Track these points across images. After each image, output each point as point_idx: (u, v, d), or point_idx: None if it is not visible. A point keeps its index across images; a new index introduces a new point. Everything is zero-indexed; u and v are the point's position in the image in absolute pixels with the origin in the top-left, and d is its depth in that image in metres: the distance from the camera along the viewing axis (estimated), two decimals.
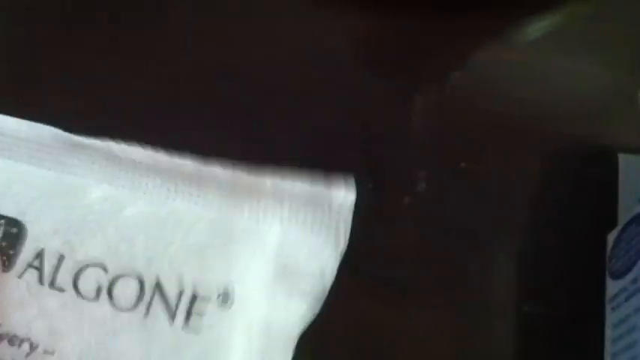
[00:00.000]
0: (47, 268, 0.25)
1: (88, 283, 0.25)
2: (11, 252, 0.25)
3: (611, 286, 0.31)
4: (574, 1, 0.40)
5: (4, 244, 0.25)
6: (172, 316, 0.23)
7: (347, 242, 0.24)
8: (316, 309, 0.24)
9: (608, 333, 0.31)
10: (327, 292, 0.24)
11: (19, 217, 0.26)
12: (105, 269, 0.25)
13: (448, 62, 0.40)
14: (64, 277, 0.25)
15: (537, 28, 0.40)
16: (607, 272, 0.32)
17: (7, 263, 0.25)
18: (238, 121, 0.38)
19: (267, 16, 0.41)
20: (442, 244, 0.35)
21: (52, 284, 0.25)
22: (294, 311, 0.24)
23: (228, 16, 0.41)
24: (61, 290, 0.25)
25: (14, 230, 0.25)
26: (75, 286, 0.25)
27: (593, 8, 0.40)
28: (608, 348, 0.30)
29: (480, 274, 0.34)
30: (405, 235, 0.35)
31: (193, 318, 0.23)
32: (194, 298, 0.23)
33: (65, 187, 0.26)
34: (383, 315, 0.33)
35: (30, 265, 0.25)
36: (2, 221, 0.26)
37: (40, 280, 0.25)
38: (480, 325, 0.33)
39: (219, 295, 0.24)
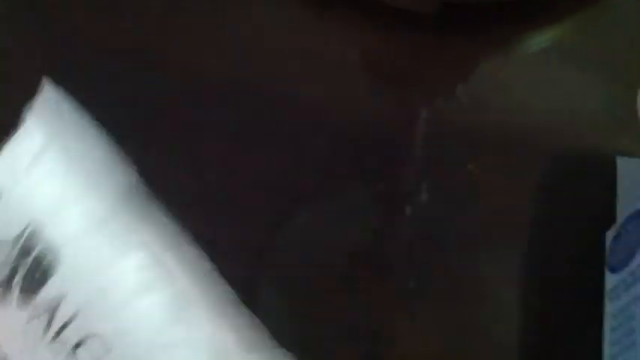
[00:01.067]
0: (57, 321, 0.23)
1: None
2: (34, 284, 0.23)
3: (611, 280, 0.33)
4: (575, 15, 0.42)
5: (30, 273, 0.23)
6: None
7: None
8: None
9: (608, 323, 0.32)
10: None
11: (57, 250, 0.24)
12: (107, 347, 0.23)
13: (453, 74, 0.41)
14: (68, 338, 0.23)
15: (540, 40, 0.42)
16: (606, 267, 0.33)
17: (23, 298, 0.23)
18: (245, 128, 0.39)
19: (276, 28, 0.42)
20: (445, 246, 0.36)
21: (53, 341, 0.23)
22: None
23: (235, 30, 0.42)
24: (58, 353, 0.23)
25: (46, 262, 0.24)
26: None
27: (594, 21, 0.42)
28: (608, 335, 0.32)
29: (484, 271, 0.35)
30: (407, 237, 0.37)
31: None
32: None
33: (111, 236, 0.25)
34: (387, 311, 0.35)
35: (45, 310, 0.23)
36: (39, 247, 0.24)
37: (45, 330, 0.23)
38: (485, 317, 0.34)
39: None
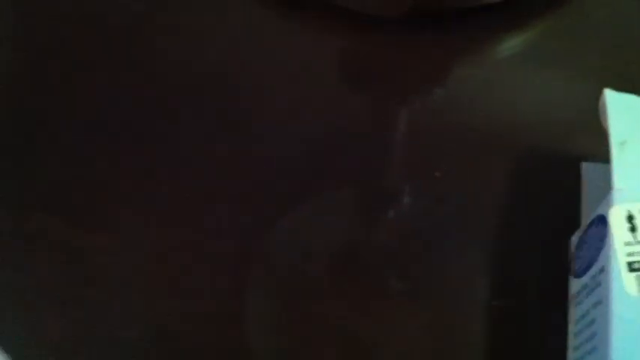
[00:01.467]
0: None
1: None
2: None
3: (574, 285, 0.33)
4: (545, 20, 0.43)
5: None
6: None
7: None
8: None
9: (571, 328, 0.33)
10: None
11: None
12: None
13: (429, 79, 0.42)
14: None
15: (510, 45, 0.42)
16: (570, 272, 0.34)
17: None
18: (228, 132, 0.40)
19: (251, 32, 0.43)
20: (419, 247, 0.37)
21: None
22: None
23: (221, 35, 0.43)
24: None
25: None
26: None
27: (563, 26, 0.42)
28: (571, 341, 0.32)
29: (454, 273, 0.36)
30: (386, 239, 0.37)
31: None
32: None
33: None
34: (373, 312, 0.35)
35: None
36: None
37: None
38: (454, 317, 0.35)
39: None
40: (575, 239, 0.34)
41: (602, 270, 0.31)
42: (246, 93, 0.41)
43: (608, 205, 0.31)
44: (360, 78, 0.42)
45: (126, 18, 0.44)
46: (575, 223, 0.35)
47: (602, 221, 0.32)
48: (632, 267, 0.30)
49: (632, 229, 0.31)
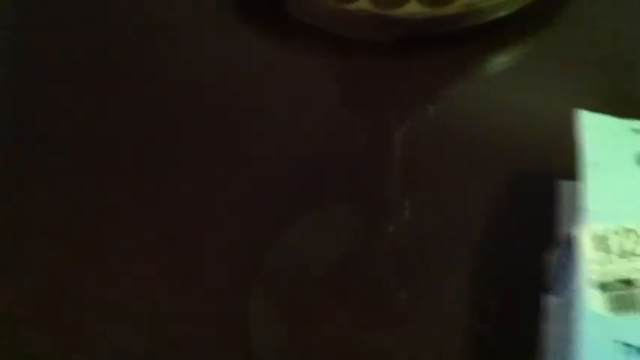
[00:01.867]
0: None
1: None
2: None
3: (551, 304, 0.33)
4: (531, 39, 0.42)
5: None
6: None
7: None
8: None
9: (549, 345, 0.33)
10: None
11: None
12: None
13: (422, 98, 0.42)
14: None
15: (498, 64, 0.43)
16: (548, 291, 0.34)
17: None
18: (228, 132, 0.41)
19: (256, 34, 0.44)
20: (418, 252, 0.37)
21: None
22: None
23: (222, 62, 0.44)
24: None
25: None
26: None
27: (549, 45, 0.42)
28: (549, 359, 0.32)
29: (437, 295, 0.36)
30: (384, 242, 0.38)
31: None
32: None
33: None
34: (361, 314, 0.36)
35: None
36: None
37: None
38: (454, 318, 0.35)
39: None
40: (551, 259, 0.34)
41: (574, 289, 0.31)
42: (247, 93, 0.41)
43: (579, 226, 0.32)
44: (352, 99, 0.42)
45: (126, 18, 0.44)
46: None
47: (574, 241, 0.32)
48: (602, 287, 0.30)
49: (603, 250, 0.31)
